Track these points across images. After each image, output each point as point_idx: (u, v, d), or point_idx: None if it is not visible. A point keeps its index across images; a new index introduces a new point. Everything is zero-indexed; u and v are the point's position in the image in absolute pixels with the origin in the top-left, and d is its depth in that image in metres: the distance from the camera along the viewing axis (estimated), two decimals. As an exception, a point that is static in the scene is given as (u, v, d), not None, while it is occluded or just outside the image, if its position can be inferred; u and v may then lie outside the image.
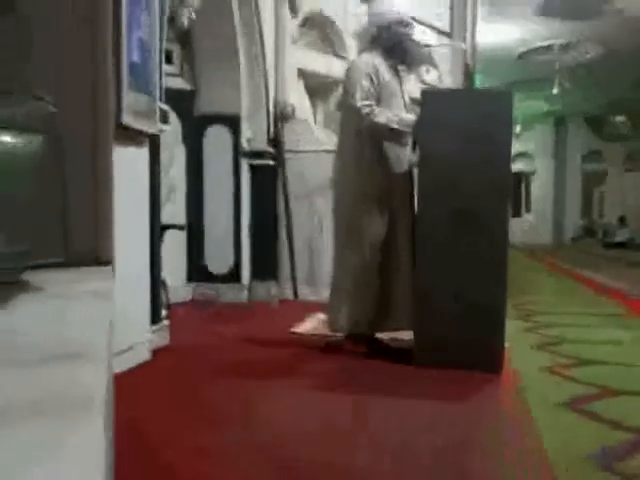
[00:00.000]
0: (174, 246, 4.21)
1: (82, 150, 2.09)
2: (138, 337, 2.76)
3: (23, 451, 0.58)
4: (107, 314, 1.19)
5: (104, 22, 2.26)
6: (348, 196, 3.11)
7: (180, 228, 4.13)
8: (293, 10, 5.08)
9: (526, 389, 2.54)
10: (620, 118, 17.01)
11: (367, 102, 2.98)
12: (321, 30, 5.64)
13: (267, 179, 4.90)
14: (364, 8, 4.81)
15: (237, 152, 4.78)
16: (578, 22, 9.85)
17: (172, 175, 4.52)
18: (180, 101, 4.45)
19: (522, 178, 18.42)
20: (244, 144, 4.79)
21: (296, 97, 5.24)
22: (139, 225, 2.82)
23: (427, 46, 4.34)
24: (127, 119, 2.51)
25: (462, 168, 2.78)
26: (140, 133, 2.72)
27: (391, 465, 1.80)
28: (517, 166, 16.73)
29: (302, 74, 5.44)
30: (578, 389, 2.53)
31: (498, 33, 10.19)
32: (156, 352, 2.94)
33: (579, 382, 2.63)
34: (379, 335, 3.17)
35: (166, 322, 3.20)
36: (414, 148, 3.13)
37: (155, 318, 3.04)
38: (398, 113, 3.06)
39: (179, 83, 4.65)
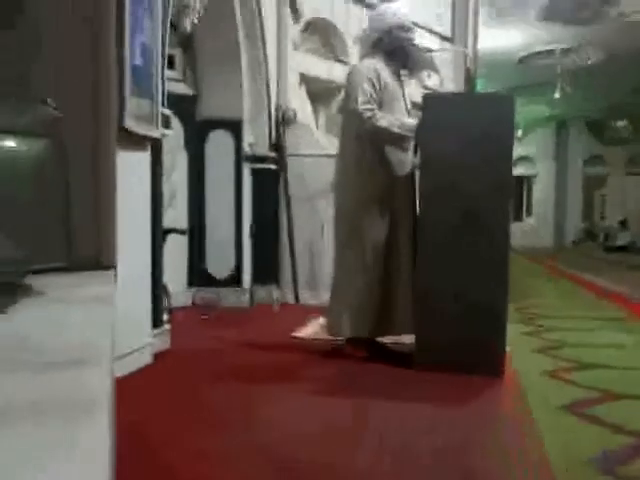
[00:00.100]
0: (175, 250, 4.22)
1: (85, 154, 2.10)
2: (139, 341, 2.77)
3: (26, 454, 0.58)
4: (108, 318, 1.19)
5: (107, 26, 2.27)
6: (350, 198, 3.12)
7: (182, 232, 4.14)
8: (295, 15, 5.10)
9: (527, 393, 2.54)
10: (621, 122, 17.02)
11: (369, 106, 2.99)
12: (323, 35, 5.66)
13: (269, 183, 4.92)
14: (366, 13, 4.84)
15: (239, 156, 4.79)
16: (579, 27, 9.86)
17: (174, 179, 4.53)
18: (182, 106, 4.46)
19: (523, 182, 18.44)
20: (246, 148, 4.81)
21: (298, 102, 5.26)
22: (141, 229, 2.83)
23: (429, 51, 4.34)
24: (129, 123, 2.52)
25: (464, 170, 2.79)
26: (142, 137, 2.73)
27: (391, 465, 1.81)
28: (519, 170, 16.75)
29: (304, 79, 5.46)
30: (579, 393, 2.53)
31: (499, 38, 10.21)
32: (157, 356, 2.95)
33: (580, 386, 2.63)
34: (380, 339, 3.17)
35: (167, 326, 3.21)
36: (416, 152, 3.14)
37: (156, 322, 3.04)
38: (400, 117, 3.07)
39: (181, 88, 4.66)
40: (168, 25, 3.13)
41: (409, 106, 3.25)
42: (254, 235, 4.87)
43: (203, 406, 2.34)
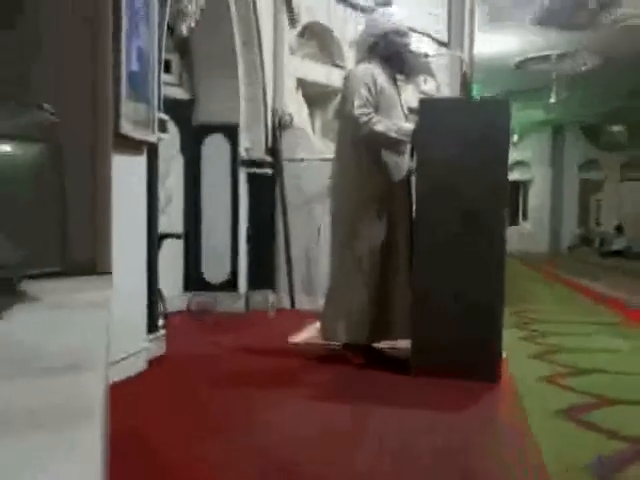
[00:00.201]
0: (171, 255, 4.21)
1: (81, 159, 2.10)
2: (135, 346, 2.76)
3: (23, 459, 0.58)
4: (104, 323, 1.19)
5: (104, 32, 2.27)
6: (348, 201, 3.12)
7: (177, 237, 4.13)
8: (292, 20, 5.11)
9: (524, 398, 2.54)
10: (617, 127, 17.08)
11: (365, 110, 2.99)
12: (320, 40, 5.67)
13: (265, 188, 4.92)
14: (362, 18, 4.85)
15: (235, 161, 4.79)
16: (575, 32, 9.91)
17: (170, 184, 4.53)
18: (178, 110, 4.47)
19: (519, 186, 18.49)
20: (242, 153, 4.81)
21: (294, 106, 5.27)
22: (136, 234, 2.82)
23: (425, 55, 4.36)
24: (126, 128, 2.51)
25: (460, 174, 2.80)
26: (138, 142, 2.73)
27: (390, 467, 1.81)
28: (514, 174, 16.79)
29: (301, 83, 5.47)
30: (576, 398, 2.53)
31: (496, 43, 10.24)
32: (152, 361, 2.94)
33: (577, 391, 2.63)
34: (376, 345, 3.17)
35: (163, 331, 3.20)
36: (412, 156, 3.14)
37: (152, 327, 3.03)
38: (397, 122, 3.07)
39: (178, 92, 4.66)
40: (165, 30, 3.14)
41: (406, 111, 3.26)
42: (250, 237, 4.86)
43: (200, 411, 2.34)
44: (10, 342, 1.05)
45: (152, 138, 2.84)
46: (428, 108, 2.96)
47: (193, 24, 4.15)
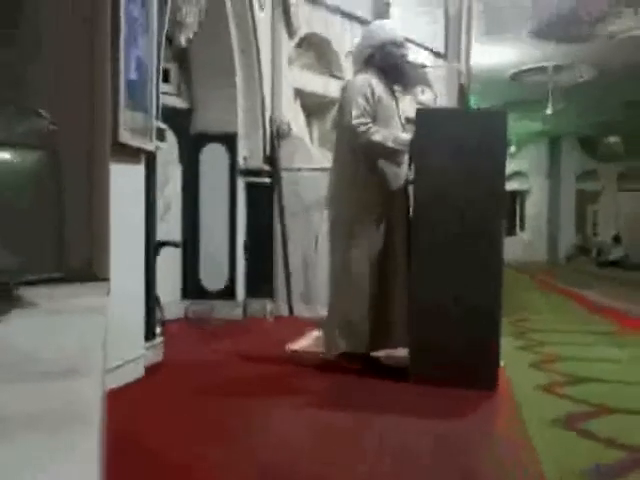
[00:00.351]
0: (169, 263, 4.21)
1: (79, 167, 2.10)
2: (132, 353, 2.75)
3: (22, 461, 0.58)
4: (101, 328, 1.19)
5: (102, 41, 2.29)
6: (346, 211, 3.12)
7: (175, 245, 4.13)
8: (290, 31, 5.15)
9: (521, 407, 2.54)
10: (614, 138, 17.17)
11: (363, 120, 3.01)
12: (317, 51, 5.71)
13: (263, 197, 4.93)
14: (359, 29, 4.89)
15: (233, 170, 4.81)
16: (571, 45, 9.98)
17: (168, 192, 4.54)
18: (177, 119, 4.48)
19: (517, 196, 18.55)
20: (240, 162, 4.82)
21: (292, 116, 5.29)
22: (134, 241, 2.83)
23: (423, 66, 4.39)
24: (124, 136, 2.52)
25: (458, 180, 2.81)
26: (137, 150, 2.74)
27: (390, 467, 1.81)
28: (512, 185, 16.84)
29: (299, 94, 5.50)
30: (573, 407, 2.53)
31: (492, 54, 10.31)
32: (150, 368, 2.93)
33: (574, 400, 2.63)
34: (374, 354, 3.16)
35: (160, 338, 3.20)
36: (410, 166, 3.16)
37: (149, 334, 3.03)
38: (394, 132, 3.09)
39: (176, 101, 4.68)
40: (163, 40, 3.16)
41: (403, 121, 3.27)
42: (247, 248, 4.87)
43: (198, 417, 2.33)
44: (8, 347, 1.05)
45: (150, 147, 2.85)
46: (425, 118, 2.97)
47: (191, 35, 4.18)
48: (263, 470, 1.81)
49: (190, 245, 4.75)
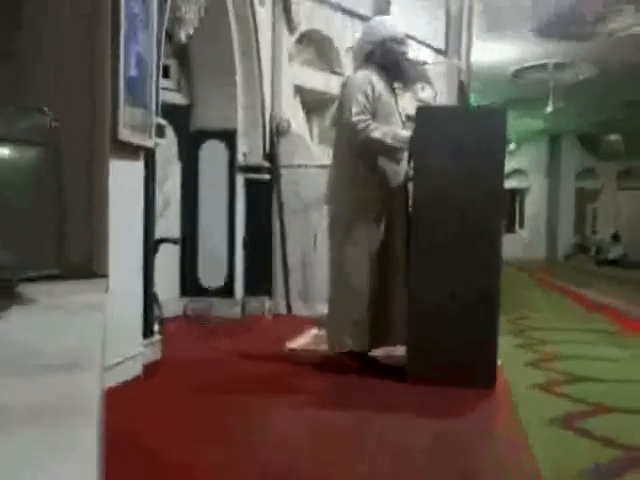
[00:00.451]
0: (168, 260, 4.21)
1: (79, 163, 2.10)
2: (130, 351, 2.75)
3: (24, 455, 0.59)
4: (100, 324, 1.19)
5: (102, 38, 2.29)
6: (345, 207, 3.12)
7: (174, 242, 4.13)
8: (290, 27, 5.14)
9: (519, 406, 2.54)
10: (614, 136, 17.16)
11: (363, 117, 3.00)
12: (318, 47, 5.70)
13: (262, 194, 4.93)
14: (360, 26, 4.88)
15: (232, 167, 4.80)
16: (572, 42, 9.97)
17: (167, 189, 4.54)
18: (176, 116, 4.48)
19: (516, 194, 18.55)
20: (240, 159, 4.82)
21: (292, 113, 5.28)
22: (133, 238, 2.83)
23: (424, 63, 4.38)
24: (124, 133, 2.52)
25: (457, 179, 2.82)
26: (136, 147, 2.74)
27: (390, 467, 1.81)
28: (511, 182, 16.84)
29: (299, 90, 5.49)
30: (571, 406, 2.53)
31: (493, 52, 10.30)
32: (148, 366, 2.93)
33: (572, 399, 2.64)
34: (373, 352, 3.16)
35: (158, 336, 3.19)
36: (409, 162, 3.15)
37: (147, 332, 3.03)
38: (394, 129, 3.08)
39: (176, 98, 4.68)
40: (163, 36, 3.15)
41: (403, 118, 3.27)
42: (247, 244, 4.87)
43: (196, 415, 2.33)
44: (8, 342, 1.05)
45: (149, 143, 2.85)
46: (425, 116, 2.97)
47: (191, 31, 4.17)
48: (263, 469, 1.81)
49: (189, 242, 4.75)
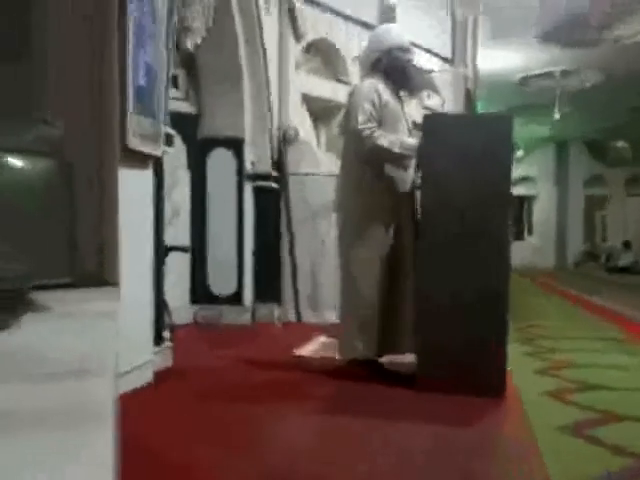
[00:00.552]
0: (178, 267, 4.23)
1: (89, 172, 2.12)
2: (141, 358, 2.76)
3: (34, 458, 0.59)
4: (112, 332, 1.20)
5: (110, 48, 2.31)
6: (353, 214, 3.13)
7: (184, 250, 4.15)
8: (297, 36, 5.17)
9: (529, 413, 2.53)
10: (621, 143, 17.10)
11: (369, 125, 3.01)
12: (325, 56, 5.73)
13: (270, 202, 4.94)
14: (366, 34, 4.90)
15: (241, 175, 4.83)
16: (578, 49, 9.97)
17: (176, 197, 4.56)
18: (184, 125, 4.50)
19: (524, 202, 18.49)
20: (248, 167, 4.84)
21: (299, 121, 5.31)
22: (143, 246, 2.84)
23: (430, 71, 4.40)
24: (133, 142, 2.54)
25: (464, 186, 2.81)
26: (145, 156, 2.75)
27: (397, 474, 1.81)
28: (520, 190, 16.80)
29: (306, 99, 5.52)
30: (582, 414, 2.51)
31: (499, 59, 10.32)
32: (159, 374, 2.93)
33: (583, 407, 2.62)
34: (380, 359, 3.16)
35: (169, 344, 3.20)
36: (417, 170, 3.16)
37: (158, 339, 3.04)
38: (400, 137, 3.09)
39: (184, 107, 4.71)
40: (173, 46, 3.18)
41: (410, 126, 3.28)
42: (255, 253, 4.88)
43: (207, 424, 2.33)
44: (21, 348, 1.06)
45: (158, 152, 2.87)
46: (432, 123, 2.98)
47: (199, 41, 4.21)
48: (264, 469, 1.82)
49: (198, 250, 4.76)
